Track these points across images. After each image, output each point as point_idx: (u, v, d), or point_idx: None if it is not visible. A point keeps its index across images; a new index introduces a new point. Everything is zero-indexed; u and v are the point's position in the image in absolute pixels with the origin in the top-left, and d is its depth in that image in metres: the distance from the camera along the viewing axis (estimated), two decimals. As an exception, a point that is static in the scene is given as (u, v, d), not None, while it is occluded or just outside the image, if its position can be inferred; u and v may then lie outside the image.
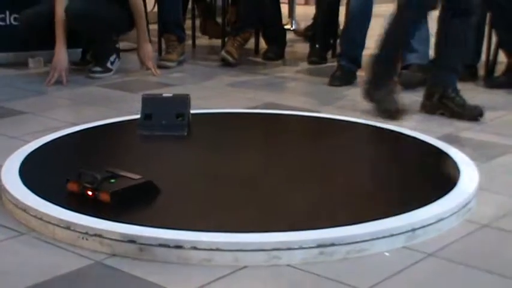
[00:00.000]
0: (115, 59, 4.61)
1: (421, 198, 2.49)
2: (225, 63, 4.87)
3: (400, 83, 4.28)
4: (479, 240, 2.37)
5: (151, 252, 2.17)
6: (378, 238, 2.25)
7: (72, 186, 2.49)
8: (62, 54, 4.34)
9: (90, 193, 2.45)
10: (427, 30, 4.37)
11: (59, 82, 4.26)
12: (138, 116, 3.25)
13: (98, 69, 4.53)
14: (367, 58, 3.92)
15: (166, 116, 3.20)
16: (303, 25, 6.21)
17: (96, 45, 4.62)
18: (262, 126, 3.51)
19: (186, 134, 3.17)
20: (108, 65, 4.56)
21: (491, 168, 2.97)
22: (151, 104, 3.25)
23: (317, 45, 5.05)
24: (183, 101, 3.26)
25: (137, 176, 2.52)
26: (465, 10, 3.66)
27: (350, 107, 3.90)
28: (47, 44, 4.45)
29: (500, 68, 4.50)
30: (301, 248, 2.17)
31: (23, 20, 4.49)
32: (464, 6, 3.65)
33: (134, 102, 3.82)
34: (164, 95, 3.40)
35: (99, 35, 4.53)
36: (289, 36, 5.51)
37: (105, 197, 2.42)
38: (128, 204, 2.41)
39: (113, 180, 2.48)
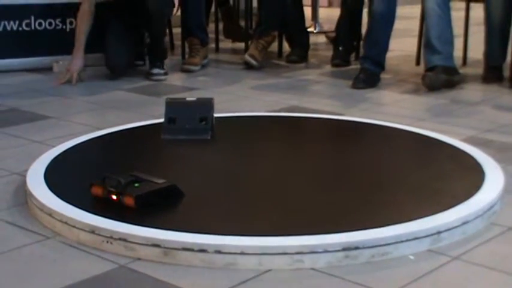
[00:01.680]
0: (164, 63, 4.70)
1: (446, 201, 2.47)
2: (248, 67, 4.87)
3: (425, 84, 4.28)
4: (504, 243, 2.35)
5: (176, 256, 2.18)
6: (402, 241, 2.24)
7: (96, 190, 2.50)
8: (78, 57, 4.44)
9: (114, 197, 2.46)
10: (451, 32, 4.35)
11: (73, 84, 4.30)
12: (162, 120, 3.26)
13: (160, 71, 4.59)
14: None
15: (189, 120, 3.21)
16: (326, 27, 6.21)
17: (157, 46, 4.67)
18: (286, 129, 3.51)
19: (209, 137, 3.17)
20: (165, 67, 4.60)
21: (516, 171, 2.96)
22: (174, 108, 3.25)
23: (340, 48, 5.04)
24: (207, 104, 3.26)
25: (161, 180, 2.53)
26: None
27: (374, 110, 3.89)
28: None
29: (525, 69, 4.46)
30: (325, 251, 2.17)
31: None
32: None
33: (158, 106, 3.83)
34: (188, 99, 3.41)
35: (164, 34, 4.68)
36: (313, 39, 5.50)
37: (129, 201, 2.43)
38: (152, 208, 2.42)
39: (137, 184, 2.49)
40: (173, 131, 3.19)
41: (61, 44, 4.75)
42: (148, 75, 4.58)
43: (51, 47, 4.75)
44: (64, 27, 4.79)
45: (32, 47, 4.75)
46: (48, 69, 4.73)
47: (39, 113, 3.81)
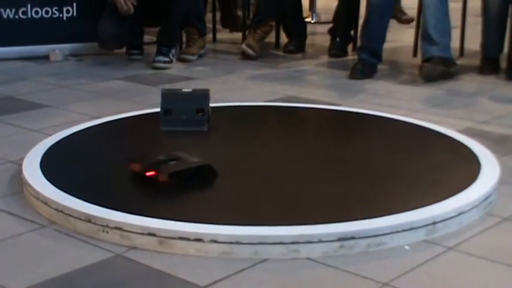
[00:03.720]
0: (176, 52, 4.69)
1: (442, 191, 2.48)
2: (246, 57, 4.87)
3: (422, 75, 4.28)
4: (499, 233, 2.36)
5: (171, 245, 2.18)
6: (398, 231, 2.24)
7: (135, 167, 2.60)
8: None
9: (150, 173, 2.55)
10: (449, 23, 4.35)
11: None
12: (158, 110, 3.25)
13: (165, 58, 4.58)
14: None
15: (186, 111, 3.20)
16: (323, 18, 6.20)
17: (166, 31, 4.66)
18: (283, 119, 3.51)
19: (206, 129, 3.17)
20: (171, 56, 4.59)
21: (512, 162, 2.96)
22: (171, 99, 3.25)
23: (337, 39, 5.04)
24: (203, 95, 3.25)
25: (196, 159, 2.61)
26: None
27: (370, 100, 3.89)
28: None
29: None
30: (321, 241, 2.17)
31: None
32: None
33: (155, 95, 3.83)
34: (184, 89, 3.40)
35: (177, 22, 4.66)
36: (310, 29, 5.50)
37: (164, 177, 2.51)
38: (185, 185, 2.50)
39: (172, 162, 2.57)
40: (170, 122, 3.18)
41: (58, 32, 4.75)
42: (152, 62, 4.58)
43: (47, 35, 4.74)
44: (61, 15, 4.78)
45: (29, 35, 4.73)
46: (44, 57, 4.72)
47: (35, 101, 3.81)
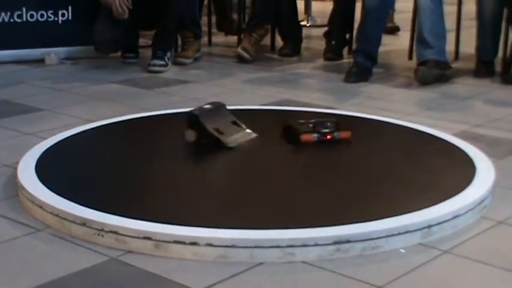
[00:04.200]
0: (171, 55, 4.68)
1: (437, 195, 2.48)
2: (241, 60, 4.87)
3: (417, 79, 4.28)
4: (495, 237, 2.36)
5: (167, 249, 2.18)
6: (393, 235, 2.24)
7: (307, 137, 2.90)
8: None
9: (328, 137, 2.91)
10: (444, 26, 4.36)
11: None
12: (154, 113, 3.24)
13: (160, 62, 4.58)
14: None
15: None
16: (319, 21, 6.20)
17: (162, 34, 4.66)
18: (278, 122, 3.50)
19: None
20: (166, 59, 4.59)
21: (507, 165, 2.96)
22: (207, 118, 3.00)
23: (333, 42, 5.05)
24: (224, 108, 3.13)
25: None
26: None
27: (366, 104, 3.89)
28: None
29: (517, 64, 4.47)
30: (316, 244, 2.17)
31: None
32: None
33: (150, 99, 3.84)
34: (204, 106, 3.11)
35: (173, 25, 4.66)
36: (306, 32, 5.50)
37: (346, 134, 2.94)
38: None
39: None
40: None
41: (53, 36, 4.74)
42: (147, 66, 4.58)
43: (43, 38, 4.73)
44: (56, 19, 4.77)
45: (24, 38, 4.73)
46: (40, 61, 4.72)
47: (30, 105, 3.80)
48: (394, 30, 5.85)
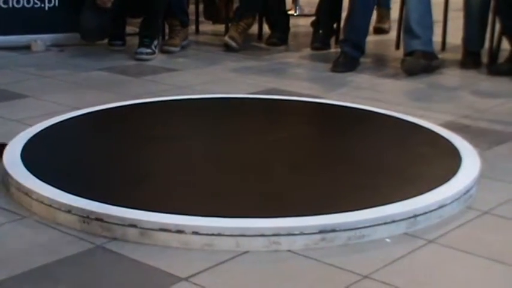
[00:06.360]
0: (158, 43, 4.66)
1: (423, 184, 2.49)
2: (228, 49, 4.86)
3: (404, 69, 4.29)
4: (480, 227, 2.37)
5: (152, 237, 2.18)
6: (379, 224, 2.25)
7: None
8: None
9: None
10: (431, 17, 4.36)
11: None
12: (140, 101, 3.21)
13: (147, 50, 4.56)
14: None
15: None
16: (306, 10, 6.19)
17: (149, 22, 4.64)
18: (265, 111, 3.51)
19: None
20: (153, 47, 4.57)
21: (492, 156, 2.97)
22: None
23: (320, 31, 5.04)
24: None
25: None
26: None
27: (352, 93, 3.89)
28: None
29: (503, 55, 4.48)
30: (302, 233, 2.17)
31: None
32: None
33: (137, 86, 3.83)
34: None
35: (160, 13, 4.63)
36: (293, 21, 5.49)
37: None
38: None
39: None
40: None
41: (39, 22, 4.71)
42: (134, 54, 4.56)
43: (29, 25, 4.70)
44: (42, 5, 4.74)
45: (10, 25, 4.69)
46: (26, 47, 4.69)
47: (16, 91, 3.78)
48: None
